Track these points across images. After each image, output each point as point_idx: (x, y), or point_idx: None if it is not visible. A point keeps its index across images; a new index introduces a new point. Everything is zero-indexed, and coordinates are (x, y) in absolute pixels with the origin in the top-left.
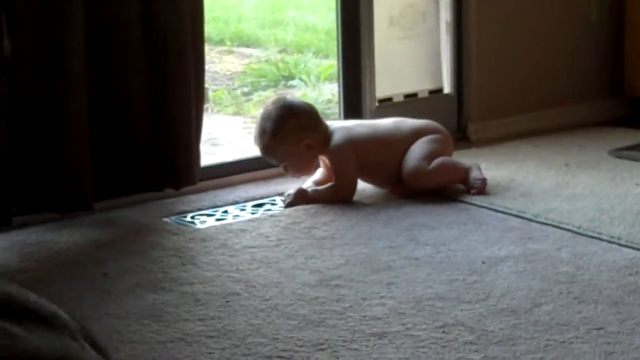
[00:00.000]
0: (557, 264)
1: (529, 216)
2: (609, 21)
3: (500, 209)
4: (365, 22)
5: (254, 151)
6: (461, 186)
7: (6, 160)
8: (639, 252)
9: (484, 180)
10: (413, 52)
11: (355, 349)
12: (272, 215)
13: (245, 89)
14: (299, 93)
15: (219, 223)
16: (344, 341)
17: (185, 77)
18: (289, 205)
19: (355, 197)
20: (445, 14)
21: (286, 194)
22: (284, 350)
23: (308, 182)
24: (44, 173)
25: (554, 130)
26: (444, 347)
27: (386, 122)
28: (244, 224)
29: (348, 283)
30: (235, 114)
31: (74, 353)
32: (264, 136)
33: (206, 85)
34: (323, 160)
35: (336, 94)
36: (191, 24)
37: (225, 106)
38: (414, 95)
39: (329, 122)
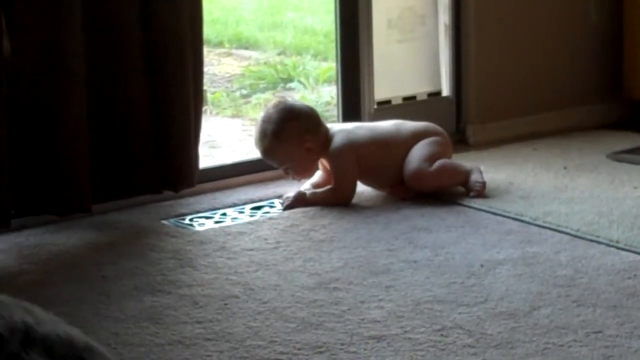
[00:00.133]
0: (556, 267)
1: (527, 219)
2: (607, 24)
3: (499, 211)
4: (364, 25)
5: (253, 154)
6: (460, 189)
7: (5, 161)
8: (637, 255)
9: (483, 184)
10: (412, 54)
11: (354, 352)
12: (270, 218)
13: (244, 91)
14: (298, 95)
15: (217, 225)
16: (342, 344)
17: (184, 79)
18: (287, 207)
19: (354, 200)
20: (444, 17)
21: (285, 196)
22: (282, 353)
23: (306, 185)
24: (43, 175)
25: (552, 133)
26: (443, 350)
27: (386, 125)
28: (242, 226)
29: (346, 286)
30: (233, 116)
31: None
32: (264, 139)
33: (205, 87)
34: (322, 163)
35: (335, 97)
36: (190, 26)
37: (224, 108)
38: (413, 97)
39: (329, 125)
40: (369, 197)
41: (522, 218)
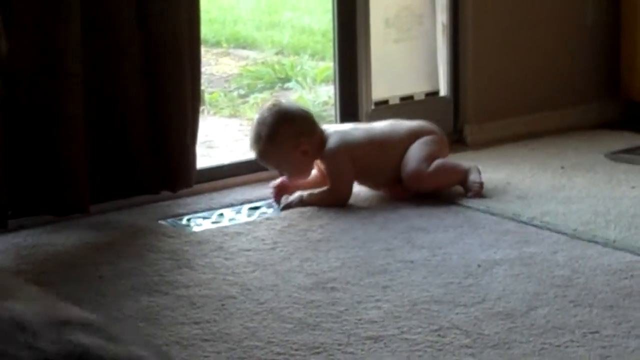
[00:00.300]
0: (553, 267)
1: (524, 219)
2: (605, 24)
3: (496, 212)
4: (361, 24)
5: (250, 154)
6: (458, 189)
7: (3, 162)
8: (634, 255)
9: (481, 184)
10: (409, 54)
11: (351, 353)
12: (267, 218)
13: (242, 91)
14: (296, 95)
15: (214, 226)
16: (340, 345)
17: (182, 79)
18: (284, 208)
19: (351, 200)
20: (442, 16)
21: (284, 197)
22: (280, 354)
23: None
24: (41, 175)
25: (550, 133)
26: (440, 350)
27: (382, 125)
28: (239, 226)
29: (343, 286)
30: (231, 116)
31: None
32: (259, 142)
33: (202, 87)
34: (317, 164)
35: (332, 96)
36: (188, 26)
37: (222, 108)
38: (410, 97)
39: (324, 126)
40: (366, 197)
41: (520, 218)
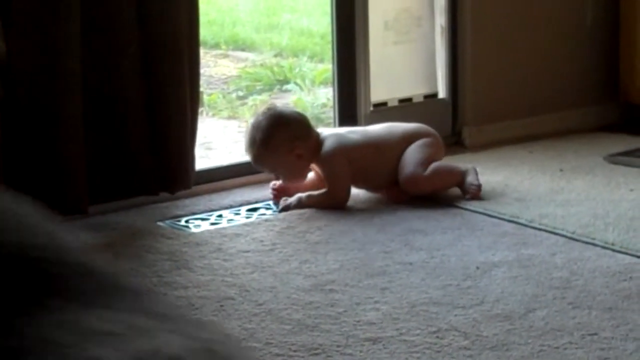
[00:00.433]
0: (551, 269)
1: (523, 221)
2: (603, 26)
3: (495, 214)
4: (360, 27)
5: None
6: (456, 191)
7: (1, 162)
8: (633, 257)
9: (479, 186)
10: (408, 56)
11: (349, 354)
12: (266, 220)
13: (240, 93)
14: (294, 97)
15: (213, 227)
16: (338, 346)
17: (181, 81)
18: (283, 209)
19: (350, 202)
20: (440, 19)
21: (283, 199)
22: (278, 355)
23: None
24: (39, 176)
25: (548, 136)
26: (438, 352)
27: (377, 128)
28: (238, 228)
29: (342, 288)
30: (230, 117)
31: None
32: (253, 146)
33: (201, 89)
34: (314, 167)
35: (331, 99)
36: (187, 28)
37: (220, 110)
38: (409, 99)
39: (319, 130)
40: (365, 199)
41: (518, 220)
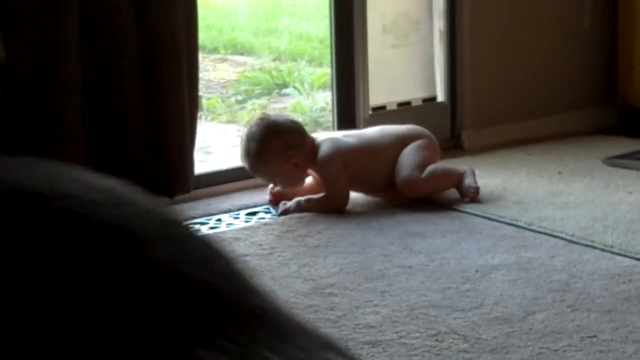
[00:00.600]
0: (551, 272)
1: (522, 224)
2: (602, 29)
3: (494, 217)
4: (358, 31)
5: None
6: (454, 194)
7: None
8: (632, 260)
9: (477, 189)
10: (406, 60)
11: None
12: (265, 224)
13: (239, 97)
14: (293, 101)
15: (212, 231)
16: None
17: (179, 85)
18: (282, 213)
19: (349, 206)
20: (439, 23)
21: (282, 203)
22: None
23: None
24: None
25: (547, 138)
26: (438, 355)
27: (372, 131)
28: (237, 232)
29: (341, 291)
30: (229, 122)
31: None
32: (249, 157)
33: (200, 93)
34: (311, 172)
35: (330, 102)
36: (185, 32)
37: (219, 114)
38: (408, 103)
39: (314, 135)
40: (363, 203)
41: (517, 223)
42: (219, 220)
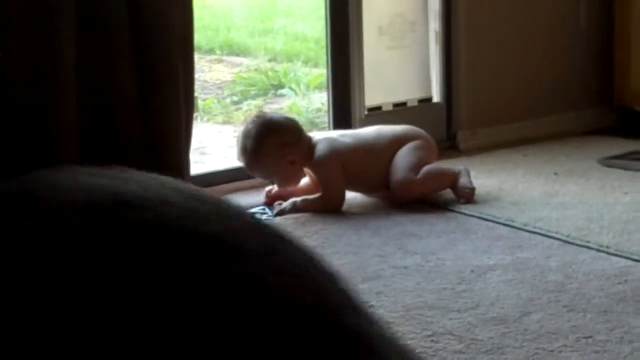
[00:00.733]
0: (546, 272)
1: (518, 225)
2: (598, 29)
3: (489, 217)
4: (354, 32)
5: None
6: (450, 195)
7: None
8: (628, 261)
9: (472, 190)
10: (402, 61)
11: None
12: None
13: (235, 98)
14: (289, 102)
15: None
16: None
17: (176, 86)
18: (278, 214)
19: (345, 207)
20: (435, 24)
21: (276, 203)
22: None
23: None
24: None
25: (543, 139)
26: (433, 356)
27: (368, 131)
28: None
29: None
30: (225, 123)
31: None
32: (245, 155)
33: (196, 94)
34: (308, 172)
35: (326, 103)
36: (181, 33)
37: (215, 115)
38: (404, 104)
39: (312, 134)
40: (360, 203)
41: (513, 224)
42: None
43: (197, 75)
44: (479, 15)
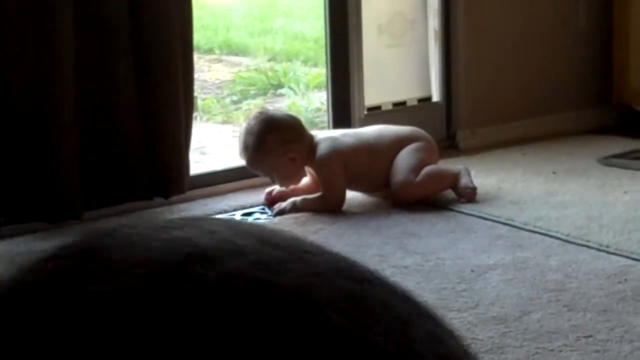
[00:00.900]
0: (546, 271)
1: (517, 224)
2: (597, 28)
3: (489, 216)
4: (353, 31)
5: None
6: (450, 194)
7: None
8: (627, 259)
9: (474, 189)
10: (402, 60)
11: None
12: None
13: (234, 98)
14: (288, 101)
15: None
16: None
17: (175, 86)
18: (278, 214)
19: (345, 206)
20: (434, 22)
21: (276, 204)
22: None
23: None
24: (33, 182)
25: (542, 138)
26: None
27: (370, 130)
28: None
29: None
30: (224, 122)
31: None
32: (247, 151)
33: (195, 93)
34: (309, 170)
35: (325, 103)
36: (180, 33)
37: (214, 115)
38: (403, 103)
39: (314, 132)
40: (360, 202)
41: (512, 223)
42: None
43: (196, 75)
44: (478, 13)
